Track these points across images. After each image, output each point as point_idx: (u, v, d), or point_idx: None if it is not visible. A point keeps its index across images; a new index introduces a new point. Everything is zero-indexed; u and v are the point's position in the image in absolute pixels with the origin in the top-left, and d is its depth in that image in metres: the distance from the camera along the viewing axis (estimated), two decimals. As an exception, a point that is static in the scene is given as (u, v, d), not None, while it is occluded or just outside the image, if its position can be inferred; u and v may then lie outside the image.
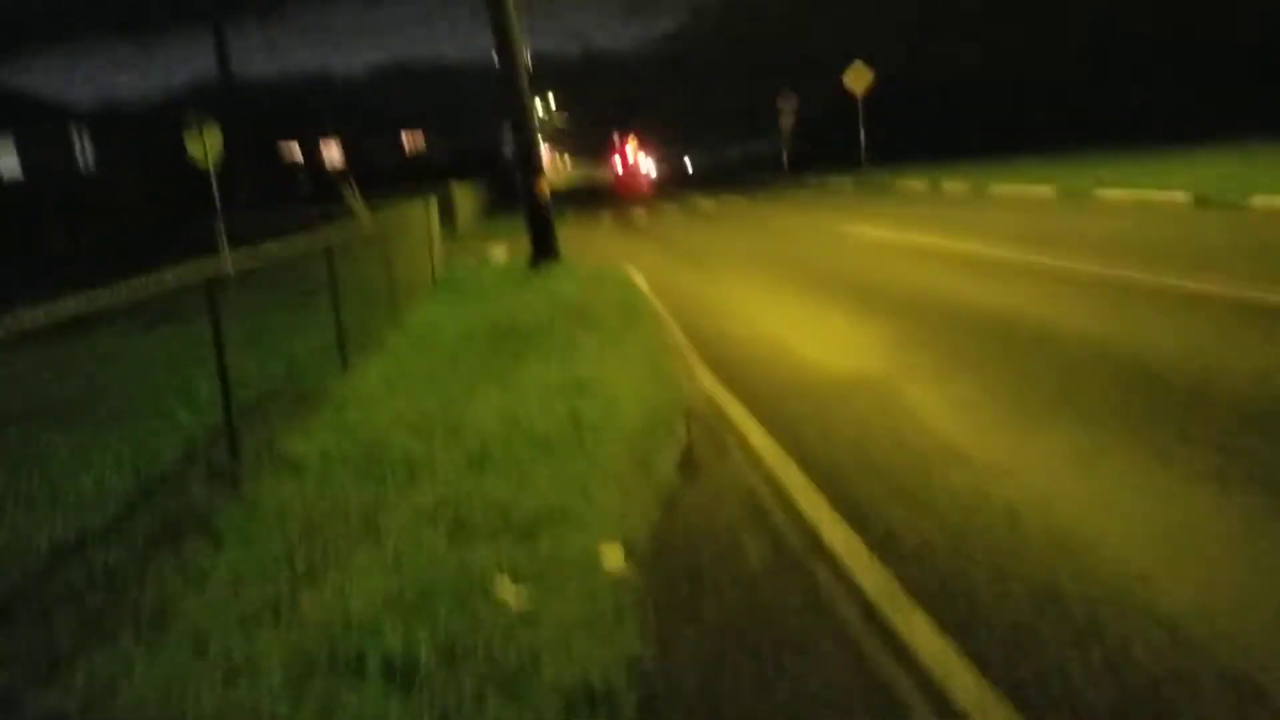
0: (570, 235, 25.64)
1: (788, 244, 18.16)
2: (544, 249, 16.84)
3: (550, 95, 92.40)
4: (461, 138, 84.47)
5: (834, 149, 44.49)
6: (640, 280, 14.88)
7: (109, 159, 46.64)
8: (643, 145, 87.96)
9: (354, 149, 76.55)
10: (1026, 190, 22.97)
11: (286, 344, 10.21)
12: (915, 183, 29.09)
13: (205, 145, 20.54)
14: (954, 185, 26.52)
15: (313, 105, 78.81)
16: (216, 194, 20.50)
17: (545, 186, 16.78)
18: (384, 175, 48.13)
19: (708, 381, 8.15)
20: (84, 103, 49.63)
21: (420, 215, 16.45)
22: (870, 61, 37.41)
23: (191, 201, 37.49)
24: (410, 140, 78.54)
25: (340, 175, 26.40)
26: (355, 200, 29.33)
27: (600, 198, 47.00)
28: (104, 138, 46.92)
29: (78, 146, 44.43)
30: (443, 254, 20.13)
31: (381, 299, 13.02)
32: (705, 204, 31.92)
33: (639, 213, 30.83)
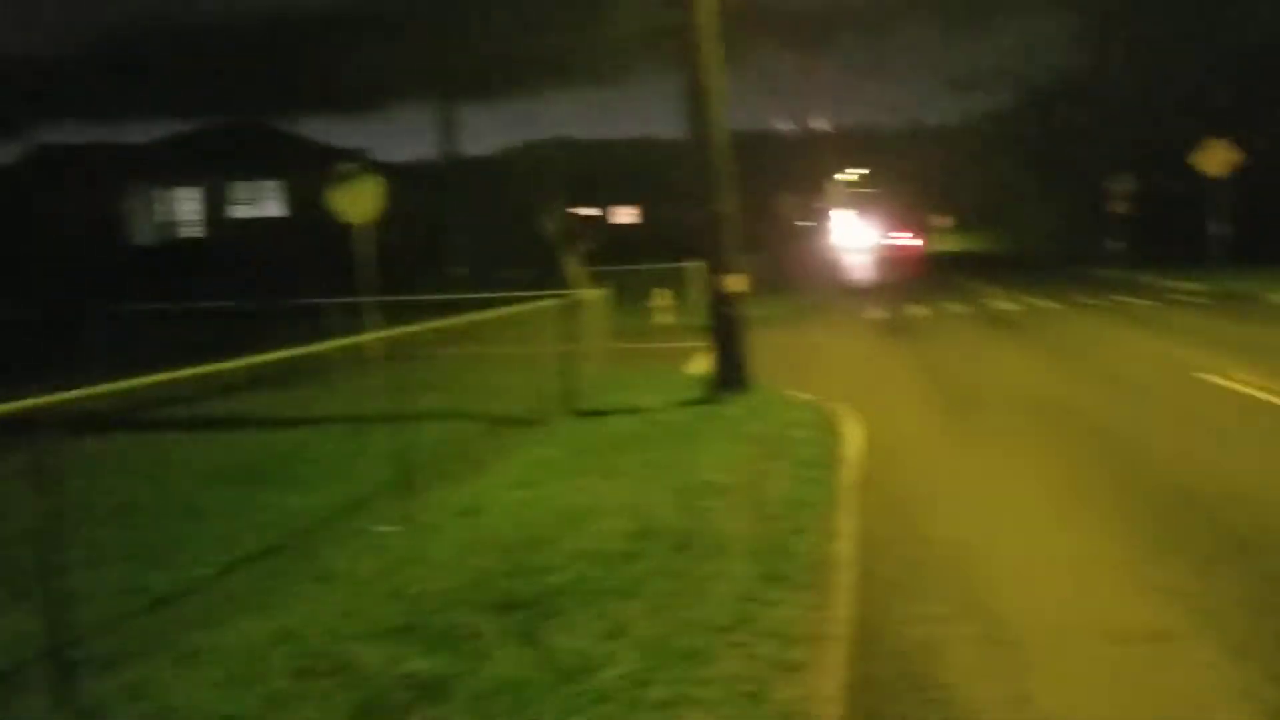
0: (813, 333, 20.05)
1: (1115, 394, 11.67)
2: (728, 375, 11.39)
3: (857, 166, 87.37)
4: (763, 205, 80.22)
5: (1178, 243, 36.19)
6: (852, 448, 9.12)
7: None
8: (927, 221, 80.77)
9: (650, 215, 73.78)
10: None
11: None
12: (1299, 298, 21.25)
13: (354, 199, 16.61)
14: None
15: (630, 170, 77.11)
16: (364, 255, 16.49)
17: (738, 286, 11.35)
18: (663, 243, 44.15)
19: None
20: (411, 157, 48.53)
21: (547, 319, 11.43)
22: (1233, 140, 29.51)
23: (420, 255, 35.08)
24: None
25: (569, 238, 22.00)
26: (576, 270, 24.93)
27: (880, 280, 40.83)
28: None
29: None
30: (622, 358, 15.06)
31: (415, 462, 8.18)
32: (1003, 305, 25.22)
33: (914, 310, 24.61)
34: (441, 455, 9.37)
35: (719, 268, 11.33)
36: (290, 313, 16.59)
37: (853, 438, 9.55)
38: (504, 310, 10.75)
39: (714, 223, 11.35)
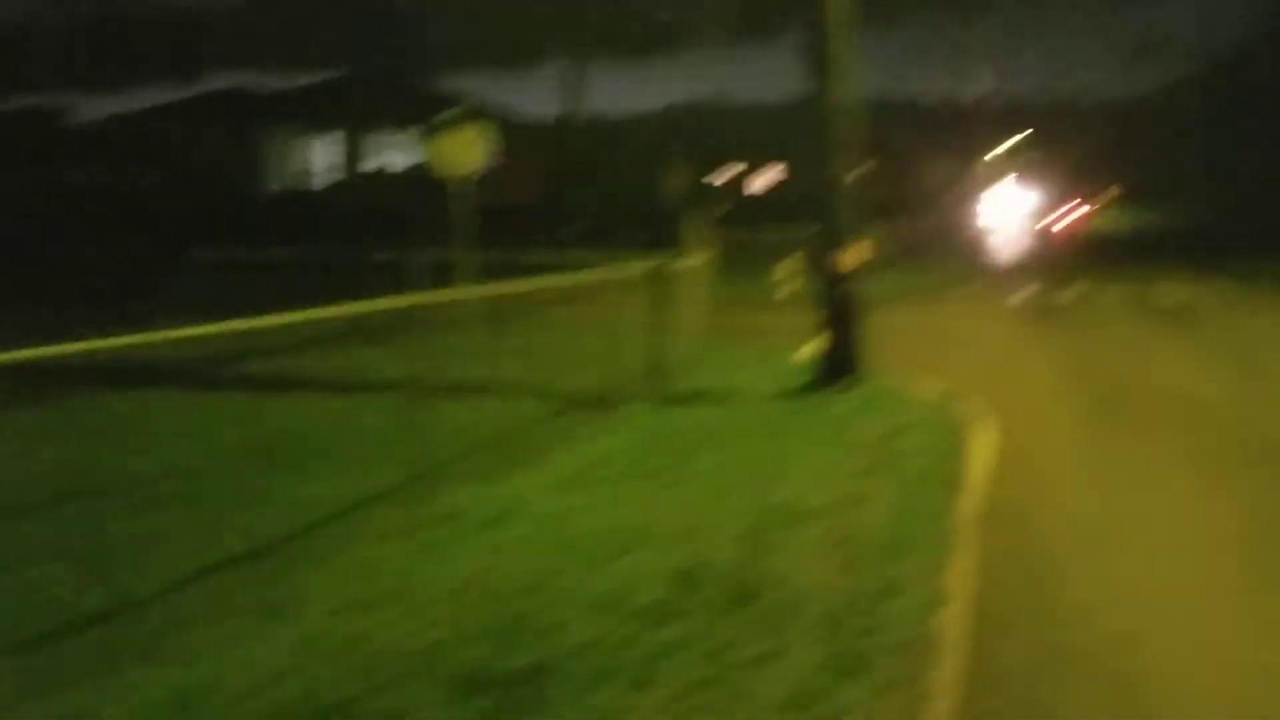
0: (951, 315, 18.12)
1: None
2: (839, 362, 9.79)
3: (1014, 135, 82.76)
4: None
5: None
6: (980, 465, 7.43)
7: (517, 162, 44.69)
8: (1090, 194, 75.12)
9: (795, 179, 71.29)
10: None
11: None
12: None
13: (454, 150, 15.40)
14: None
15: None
16: (461, 210, 15.30)
17: (856, 261, 9.70)
18: (804, 210, 42.36)
19: None
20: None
21: (634, 285, 10.00)
22: None
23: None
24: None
25: (693, 200, 20.48)
26: (697, 234, 23.35)
27: (1033, 257, 37.96)
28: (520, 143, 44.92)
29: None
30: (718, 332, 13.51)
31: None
32: (1175, 290, 22.59)
33: (1069, 293, 22.27)
34: (494, 440, 8.10)
35: (832, 241, 9.70)
36: (380, 268, 15.60)
37: (982, 451, 7.86)
38: (580, 274, 9.38)
39: (829, 192, 9.73)
